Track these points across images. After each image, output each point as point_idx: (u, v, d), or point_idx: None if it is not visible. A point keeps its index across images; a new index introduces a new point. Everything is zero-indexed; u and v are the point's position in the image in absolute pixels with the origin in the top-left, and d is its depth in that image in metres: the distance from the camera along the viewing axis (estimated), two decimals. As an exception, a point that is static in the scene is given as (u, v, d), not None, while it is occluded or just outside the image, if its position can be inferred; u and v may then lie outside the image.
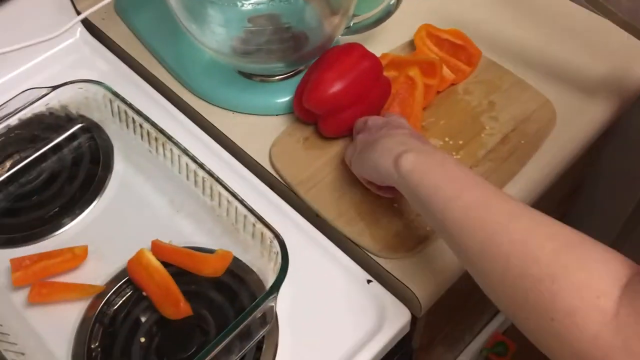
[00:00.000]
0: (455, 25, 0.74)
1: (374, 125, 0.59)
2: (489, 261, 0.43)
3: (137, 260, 0.57)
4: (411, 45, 0.74)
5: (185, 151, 0.60)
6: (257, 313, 0.50)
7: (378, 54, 0.73)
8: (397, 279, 0.58)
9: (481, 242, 0.43)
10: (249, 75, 0.72)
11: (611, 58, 0.75)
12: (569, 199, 0.97)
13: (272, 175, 0.65)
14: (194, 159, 0.59)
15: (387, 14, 0.69)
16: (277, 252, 0.54)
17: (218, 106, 0.71)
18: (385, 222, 0.59)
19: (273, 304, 0.52)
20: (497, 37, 0.77)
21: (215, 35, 0.66)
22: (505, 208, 0.44)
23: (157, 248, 0.58)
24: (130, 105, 0.63)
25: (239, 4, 0.63)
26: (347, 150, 0.61)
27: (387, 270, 0.58)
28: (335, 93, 0.61)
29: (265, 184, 0.65)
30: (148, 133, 0.63)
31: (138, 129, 0.64)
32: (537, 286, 0.39)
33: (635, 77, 0.74)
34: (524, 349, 1.14)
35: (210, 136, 0.69)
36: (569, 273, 0.38)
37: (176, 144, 0.60)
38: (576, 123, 0.69)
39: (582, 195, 1.02)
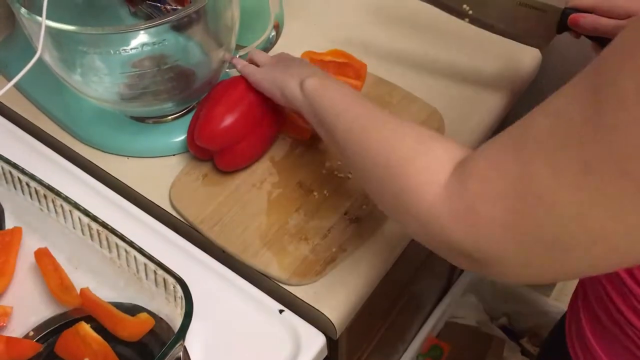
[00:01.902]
0: (340, 47, 0.75)
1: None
2: (365, 157, 0.49)
3: (74, 331, 0.55)
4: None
5: (76, 205, 0.58)
6: (166, 363, 0.49)
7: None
8: (308, 304, 0.58)
9: (360, 144, 0.50)
10: (141, 119, 0.71)
11: (495, 60, 0.79)
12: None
13: (175, 216, 0.64)
14: (86, 213, 0.58)
15: (270, 44, 0.70)
16: (182, 297, 0.53)
17: (112, 153, 0.70)
18: (291, 249, 0.59)
19: (180, 353, 0.50)
20: (382, 54, 0.79)
21: (100, 85, 0.64)
22: (380, 117, 0.50)
23: (85, 297, 0.57)
24: (15, 165, 0.61)
25: (122, 50, 0.62)
26: (250, 69, 0.64)
27: (298, 297, 0.58)
28: (227, 127, 0.61)
29: (169, 226, 0.64)
30: (36, 191, 0.61)
31: (26, 188, 0.62)
32: (395, 171, 0.45)
33: (518, 74, 0.78)
34: (457, 349, 1.17)
35: (107, 185, 0.67)
36: (417, 158, 0.44)
37: (65, 199, 0.58)
38: (464, 128, 0.72)
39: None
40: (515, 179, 0.36)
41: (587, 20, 0.62)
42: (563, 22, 0.64)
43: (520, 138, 0.37)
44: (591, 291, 0.55)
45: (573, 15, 0.63)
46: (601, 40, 0.63)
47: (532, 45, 0.69)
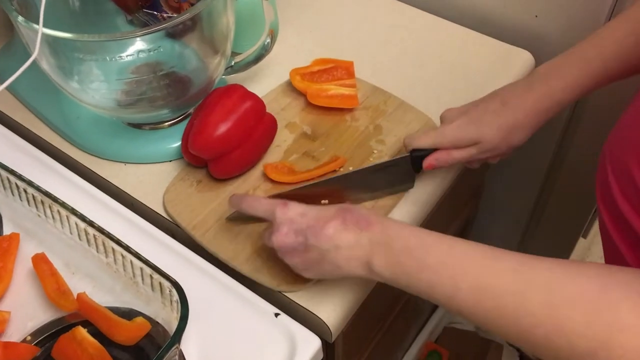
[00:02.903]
0: (336, 57, 0.76)
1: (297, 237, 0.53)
2: (535, 346, 0.42)
3: (70, 335, 0.55)
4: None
5: (73, 211, 0.59)
6: (161, 367, 0.49)
7: (267, 89, 0.74)
8: (304, 307, 0.59)
9: (512, 328, 0.43)
10: (138, 125, 0.72)
11: (487, 64, 0.80)
12: (472, 200, 1.01)
13: (171, 222, 0.65)
14: (82, 218, 0.58)
15: (265, 51, 0.70)
16: (177, 301, 0.54)
17: (108, 159, 0.70)
18: (283, 255, 0.60)
19: (176, 356, 0.51)
20: (376, 62, 0.80)
21: (97, 92, 0.65)
22: (508, 282, 0.43)
23: (82, 302, 0.57)
24: (12, 172, 0.62)
25: (118, 57, 0.62)
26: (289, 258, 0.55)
27: (293, 301, 0.59)
28: (220, 136, 0.62)
29: (165, 232, 0.65)
30: (34, 197, 0.61)
31: (23, 194, 0.62)
32: (594, 359, 0.39)
33: (510, 78, 0.79)
34: (456, 354, 1.17)
35: (103, 191, 0.68)
36: (615, 339, 0.39)
37: (62, 204, 0.59)
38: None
39: (485, 195, 1.06)
40: None
41: (441, 160, 0.62)
42: (417, 163, 0.64)
43: None
44: None
45: (427, 162, 0.63)
46: None
47: (402, 190, 0.66)
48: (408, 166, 0.64)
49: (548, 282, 0.42)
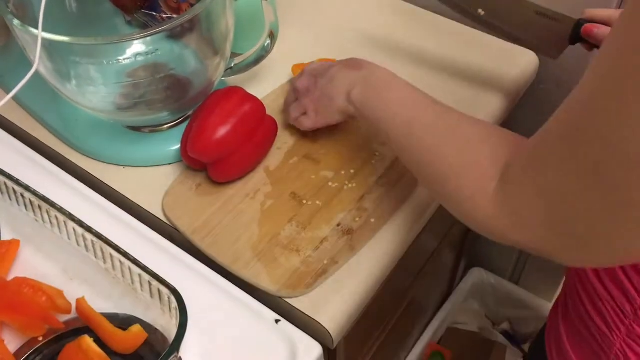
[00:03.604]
0: (336, 57, 0.75)
1: (310, 82, 0.66)
2: (423, 169, 0.54)
3: (76, 344, 0.54)
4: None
5: (70, 216, 0.58)
6: (159, 376, 0.49)
7: (268, 90, 0.74)
8: (305, 314, 0.58)
9: (411, 156, 0.54)
10: (137, 128, 0.71)
11: (492, 64, 0.79)
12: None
13: (170, 226, 0.64)
14: (80, 224, 0.58)
15: (265, 52, 0.70)
16: (176, 308, 0.53)
17: (107, 162, 0.70)
18: (283, 260, 0.59)
19: (175, 363, 0.50)
20: (378, 61, 0.79)
21: (95, 95, 0.64)
22: (426, 121, 0.54)
23: (80, 308, 0.56)
24: (9, 176, 0.61)
25: (116, 61, 0.61)
26: (292, 110, 0.68)
27: (294, 307, 0.58)
28: (220, 139, 0.61)
29: (164, 236, 0.64)
30: (31, 202, 0.61)
31: (20, 199, 0.62)
32: (450, 183, 0.49)
33: (515, 78, 0.78)
34: (459, 355, 1.16)
35: (102, 194, 0.67)
36: (468, 171, 0.48)
37: (60, 210, 0.58)
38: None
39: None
40: (542, 184, 0.41)
41: (601, 31, 0.62)
42: (576, 33, 0.64)
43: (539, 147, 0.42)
44: (569, 294, 0.55)
45: (587, 25, 0.63)
46: None
47: (544, 55, 0.68)
48: (568, 30, 0.64)
49: (454, 122, 0.53)
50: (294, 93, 0.68)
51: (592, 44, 0.64)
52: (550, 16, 0.64)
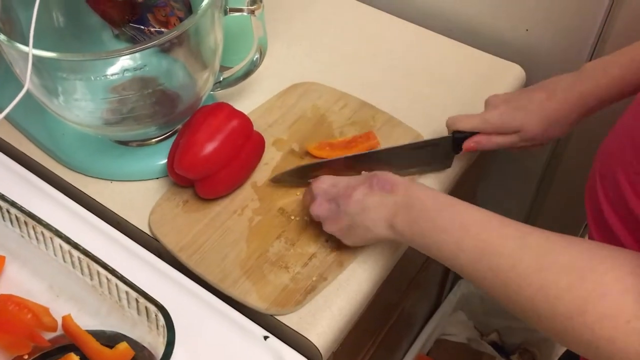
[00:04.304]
0: (324, 72, 0.76)
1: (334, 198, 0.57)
2: (520, 307, 0.45)
3: None
4: (285, 94, 0.75)
5: (57, 233, 0.58)
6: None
7: (256, 104, 0.73)
8: (293, 330, 0.58)
9: (502, 288, 0.46)
10: (124, 142, 0.70)
11: (477, 79, 0.79)
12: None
13: (157, 242, 0.64)
14: (67, 240, 0.57)
15: (254, 66, 0.70)
16: (164, 325, 0.53)
17: (94, 177, 0.69)
18: (271, 277, 0.59)
19: (161, 383, 0.50)
20: (364, 76, 0.79)
21: (82, 110, 0.64)
22: (506, 245, 0.46)
23: (66, 325, 0.56)
24: (-6, 192, 0.61)
25: (103, 76, 0.61)
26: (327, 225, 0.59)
27: (283, 323, 0.58)
28: (206, 156, 0.61)
29: (152, 251, 0.64)
30: (17, 218, 0.60)
31: (6, 214, 0.61)
32: (571, 323, 0.41)
33: (500, 91, 0.77)
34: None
35: (90, 209, 0.67)
36: (593, 304, 0.40)
37: (46, 226, 0.58)
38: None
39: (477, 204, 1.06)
40: None
41: (482, 143, 0.64)
42: (457, 145, 0.66)
43: None
44: None
45: (466, 143, 0.65)
46: None
47: (438, 170, 0.68)
48: (448, 147, 0.66)
49: (542, 248, 0.44)
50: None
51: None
52: (429, 144, 0.66)
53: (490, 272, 0.46)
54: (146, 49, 0.57)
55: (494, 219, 0.48)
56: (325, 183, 0.58)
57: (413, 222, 0.52)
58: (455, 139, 0.65)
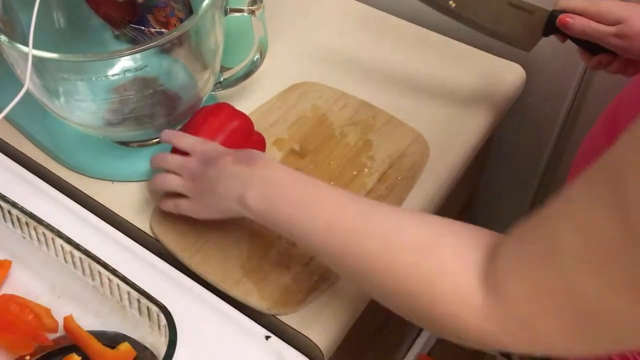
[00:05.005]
0: (325, 72, 0.76)
1: (191, 167, 0.58)
2: (369, 285, 0.46)
3: None
4: (286, 94, 0.75)
5: (58, 233, 0.58)
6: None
7: (256, 104, 0.73)
8: (295, 330, 0.58)
9: (352, 266, 0.46)
10: (125, 142, 0.71)
11: (478, 78, 0.79)
12: (464, 210, 1.00)
13: (159, 242, 0.64)
14: (68, 241, 0.57)
15: (255, 66, 0.70)
16: (165, 325, 0.53)
17: (95, 177, 0.69)
18: (273, 277, 0.59)
19: (163, 384, 0.50)
20: (365, 76, 0.79)
21: (83, 111, 0.64)
22: (356, 222, 0.46)
23: (68, 326, 0.56)
24: (-4, 193, 0.61)
25: (104, 77, 0.61)
26: (168, 183, 0.60)
27: (284, 323, 0.58)
28: (208, 155, 0.61)
29: (153, 252, 0.64)
30: (18, 219, 0.60)
31: (7, 215, 0.61)
32: (418, 300, 0.42)
33: (502, 92, 0.78)
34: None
35: (91, 210, 0.67)
36: (439, 282, 0.41)
37: (47, 226, 0.58)
38: (449, 148, 0.72)
39: (476, 204, 1.06)
40: (566, 297, 0.36)
41: (576, 21, 0.61)
42: (550, 24, 0.62)
43: (552, 253, 0.36)
44: None
45: (562, 16, 0.62)
46: (587, 45, 0.62)
47: (516, 47, 0.66)
48: (541, 21, 0.62)
49: (390, 225, 0.44)
50: (172, 161, 0.60)
51: (567, 35, 0.63)
52: (523, 7, 0.63)
53: (341, 250, 0.46)
54: (147, 49, 0.57)
55: (346, 197, 0.49)
56: (209, 145, 0.58)
57: (265, 196, 0.51)
58: (552, 17, 0.61)
